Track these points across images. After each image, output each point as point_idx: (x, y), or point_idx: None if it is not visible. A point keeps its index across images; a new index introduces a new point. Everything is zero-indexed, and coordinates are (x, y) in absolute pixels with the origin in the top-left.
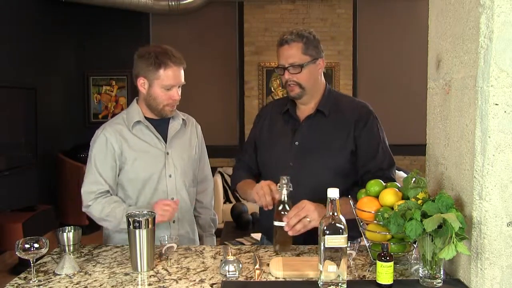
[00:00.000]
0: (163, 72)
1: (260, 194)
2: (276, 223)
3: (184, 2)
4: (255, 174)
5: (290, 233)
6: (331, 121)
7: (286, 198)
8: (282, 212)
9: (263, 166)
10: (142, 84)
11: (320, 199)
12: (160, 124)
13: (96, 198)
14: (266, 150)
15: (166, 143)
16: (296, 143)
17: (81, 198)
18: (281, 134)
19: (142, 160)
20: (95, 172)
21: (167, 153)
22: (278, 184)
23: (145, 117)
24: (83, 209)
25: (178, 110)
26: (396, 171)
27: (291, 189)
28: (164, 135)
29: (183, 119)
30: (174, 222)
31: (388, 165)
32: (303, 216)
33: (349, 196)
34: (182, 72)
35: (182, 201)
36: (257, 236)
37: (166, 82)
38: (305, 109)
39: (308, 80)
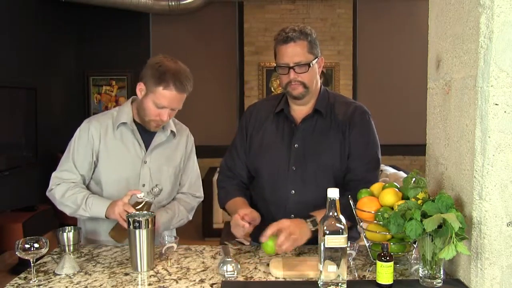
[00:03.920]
0: (161, 91)
1: (235, 230)
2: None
3: (184, 2)
4: (245, 185)
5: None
6: (328, 122)
7: (145, 205)
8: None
9: (258, 172)
10: (140, 89)
11: (325, 201)
12: (148, 131)
13: (61, 184)
14: (260, 155)
15: (147, 151)
16: (295, 145)
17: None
18: (276, 136)
19: (115, 163)
20: (70, 161)
21: (145, 162)
22: (143, 195)
23: (135, 121)
24: (47, 193)
25: (174, 116)
26: (396, 171)
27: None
28: (148, 143)
29: (171, 131)
30: None
31: (372, 168)
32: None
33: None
34: (182, 98)
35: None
36: None
37: (158, 101)
38: (301, 110)
39: (311, 79)
